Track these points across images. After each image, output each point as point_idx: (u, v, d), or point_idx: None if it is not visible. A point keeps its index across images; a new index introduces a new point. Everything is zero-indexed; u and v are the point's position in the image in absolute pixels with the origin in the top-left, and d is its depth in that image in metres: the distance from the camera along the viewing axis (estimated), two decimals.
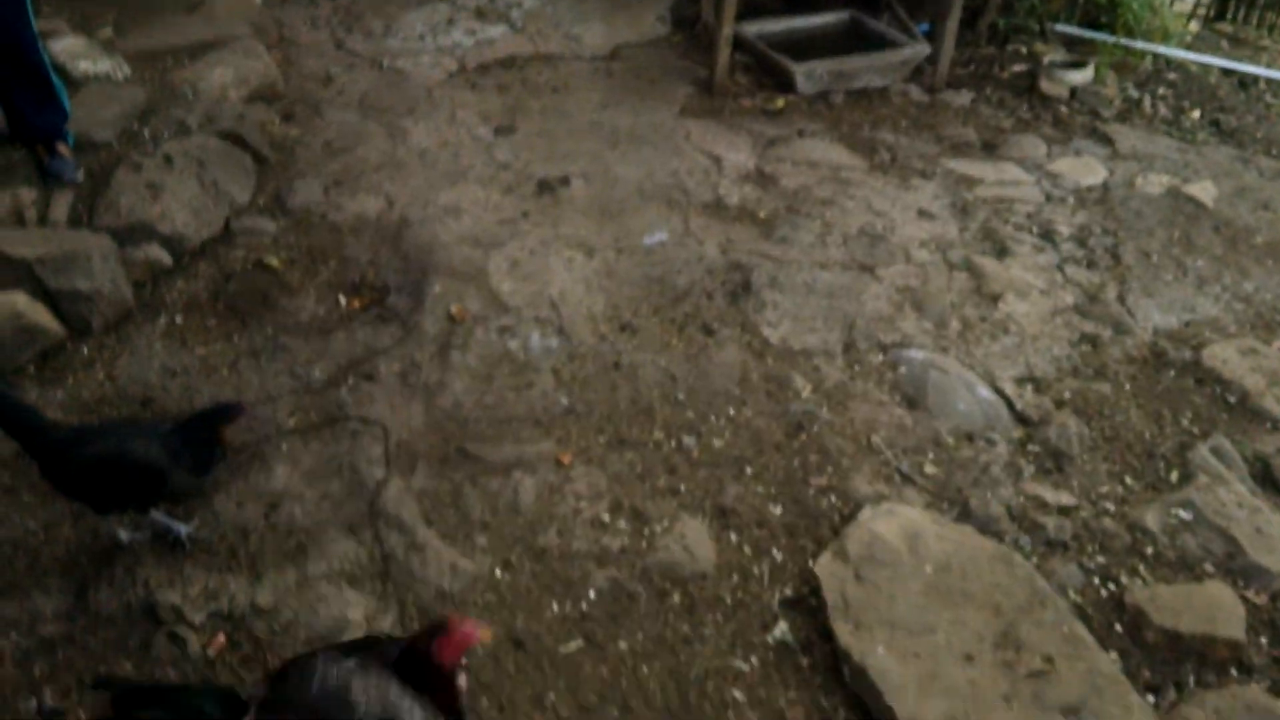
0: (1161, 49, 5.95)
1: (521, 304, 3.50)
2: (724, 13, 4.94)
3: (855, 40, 5.37)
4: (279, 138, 4.34)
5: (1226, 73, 6.35)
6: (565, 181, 4.24)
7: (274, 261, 3.64)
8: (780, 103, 5.04)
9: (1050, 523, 2.83)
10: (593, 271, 3.71)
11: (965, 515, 2.84)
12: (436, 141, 4.47)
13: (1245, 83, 6.35)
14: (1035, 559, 2.74)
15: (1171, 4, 9.12)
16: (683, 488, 2.86)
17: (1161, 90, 5.61)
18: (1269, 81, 6.40)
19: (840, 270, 3.80)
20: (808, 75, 5.02)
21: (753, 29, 5.34)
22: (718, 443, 3.02)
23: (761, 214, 4.14)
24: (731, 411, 3.13)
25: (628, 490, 2.84)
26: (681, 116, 4.88)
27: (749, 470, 2.93)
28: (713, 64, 5.10)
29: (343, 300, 3.52)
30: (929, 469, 2.99)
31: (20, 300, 3.06)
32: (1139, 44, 5.90)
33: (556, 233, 3.91)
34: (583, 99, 4.96)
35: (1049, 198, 4.38)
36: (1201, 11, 10.02)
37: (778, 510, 2.81)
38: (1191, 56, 6.12)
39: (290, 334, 3.34)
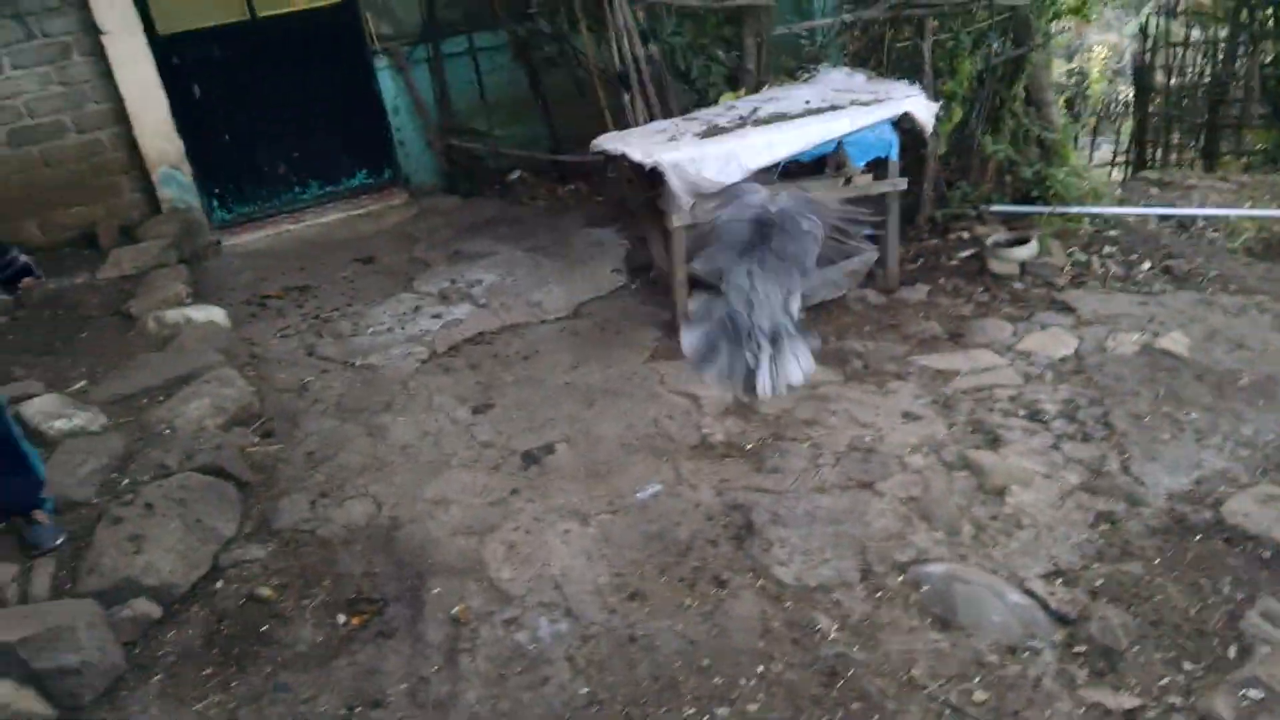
0: (1095, 209, 6.17)
1: (524, 591, 3.38)
2: (675, 256, 5.10)
3: None
4: (259, 458, 4.34)
5: (1164, 218, 6.58)
6: (549, 449, 4.22)
7: (266, 591, 3.53)
8: None
9: None
10: (591, 540, 3.62)
11: None
12: (417, 433, 4.47)
13: (1184, 224, 6.56)
14: None
15: (1090, 163, 9.61)
16: None
17: (1107, 249, 5.77)
18: (1206, 218, 6.61)
19: (839, 492, 3.73)
20: None
21: (704, 264, 5.51)
22: (752, 708, 2.85)
23: (749, 446, 4.11)
24: (760, 669, 2.97)
25: None
26: (652, 361, 4.94)
27: None
28: (673, 306, 5.21)
29: (341, 619, 3.39)
30: (979, 695, 2.81)
31: (4, 689, 2.93)
32: (1074, 209, 6.12)
33: (548, 505, 3.85)
34: (553, 362, 5.03)
35: (1027, 377, 4.39)
36: (1120, 159, 10.57)
37: None
38: (1126, 211, 6.35)
39: (290, 669, 3.19)
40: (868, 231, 5.63)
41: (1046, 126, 6.29)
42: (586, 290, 5.84)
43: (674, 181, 4.82)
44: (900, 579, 3.28)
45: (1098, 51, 14.70)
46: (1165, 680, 2.82)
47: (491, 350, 5.25)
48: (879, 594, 3.22)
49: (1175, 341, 4.50)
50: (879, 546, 3.42)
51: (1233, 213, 6.63)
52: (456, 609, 3.31)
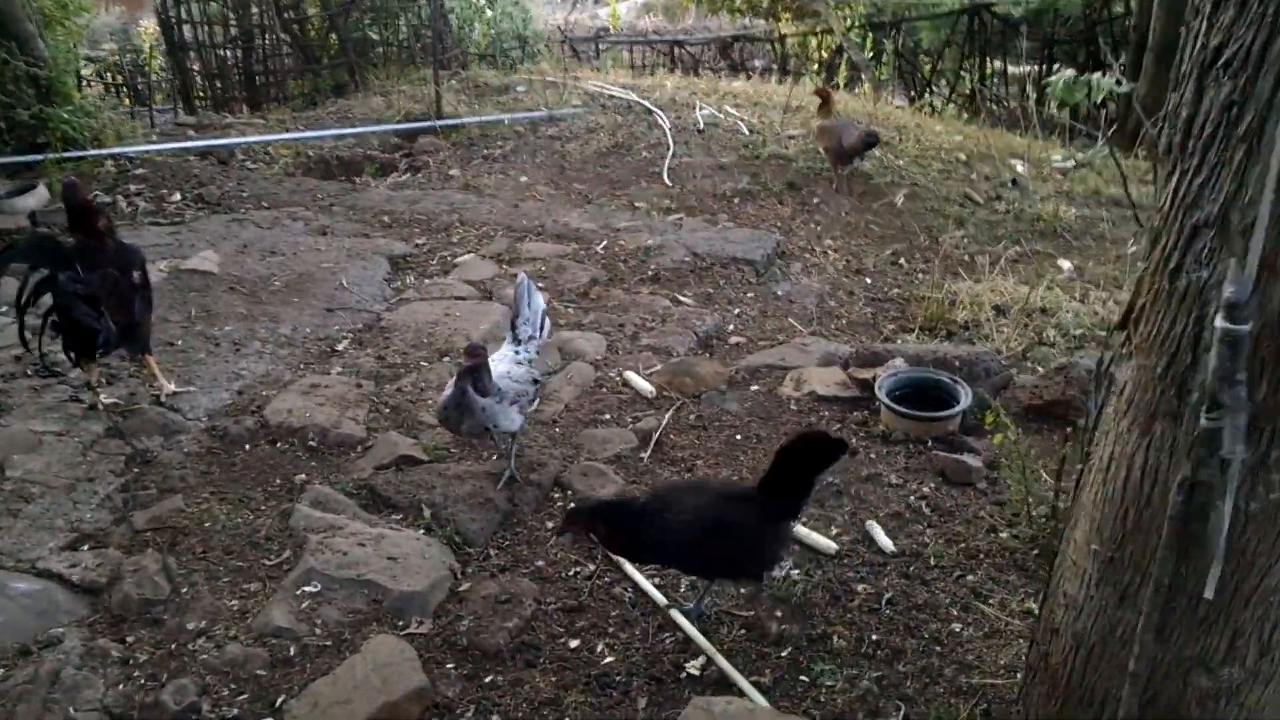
0: (114, 150, 5.56)
1: None
2: None
3: None
4: None
5: (204, 155, 6.28)
6: None
7: None
8: None
9: (168, 696, 2.13)
10: None
11: None
12: None
13: (224, 159, 6.35)
14: None
15: (152, 125, 8.87)
16: None
17: (135, 187, 5.21)
18: (245, 151, 6.49)
19: None
20: None
21: None
22: None
23: None
24: None
25: None
26: None
27: None
28: None
29: None
30: None
31: None
32: (90, 152, 5.42)
33: None
34: None
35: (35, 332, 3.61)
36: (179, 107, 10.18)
37: None
38: (145, 149, 5.86)
39: None
40: None
41: (34, 62, 5.42)
42: None
43: None
44: None
45: (146, 27, 14.03)
46: (231, 608, 2.40)
47: None
48: None
49: (206, 260, 4.14)
50: None
51: (251, 140, 6.62)
52: None
